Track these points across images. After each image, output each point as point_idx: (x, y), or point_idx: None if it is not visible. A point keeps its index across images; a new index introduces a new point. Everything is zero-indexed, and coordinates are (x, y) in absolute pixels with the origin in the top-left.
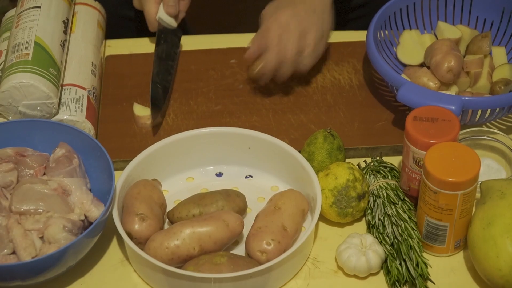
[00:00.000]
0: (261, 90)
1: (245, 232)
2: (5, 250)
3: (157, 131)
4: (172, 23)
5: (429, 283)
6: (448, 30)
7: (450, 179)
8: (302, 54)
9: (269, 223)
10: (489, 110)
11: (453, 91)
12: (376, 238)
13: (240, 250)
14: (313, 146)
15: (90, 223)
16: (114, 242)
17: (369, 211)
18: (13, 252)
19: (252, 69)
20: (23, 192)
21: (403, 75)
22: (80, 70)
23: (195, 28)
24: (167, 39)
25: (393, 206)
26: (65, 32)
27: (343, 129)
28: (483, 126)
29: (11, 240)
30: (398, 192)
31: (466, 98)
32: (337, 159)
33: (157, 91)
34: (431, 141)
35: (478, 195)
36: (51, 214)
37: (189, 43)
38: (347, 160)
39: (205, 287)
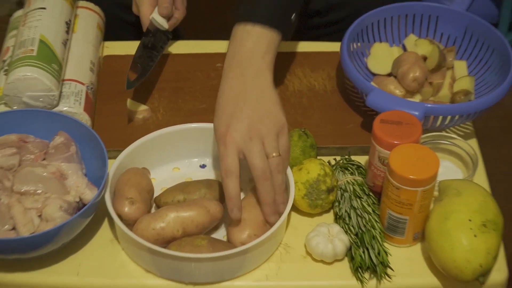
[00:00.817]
0: None
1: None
2: (6, 226)
3: (148, 125)
4: (164, 24)
5: (388, 270)
6: (419, 43)
7: (411, 177)
8: None
9: (252, 217)
10: (449, 117)
11: (417, 99)
12: (342, 228)
13: (219, 235)
14: None
15: (84, 205)
16: (105, 223)
17: (336, 203)
18: (13, 228)
19: None
20: (24, 175)
21: (372, 83)
22: (79, 67)
23: (185, 34)
24: (155, 35)
25: (358, 200)
26: (67, 32)
27: (317, 129)
28: (444, 131)
29: (12, 217)
30: (364, 188)
31: (429, 105)
32: (310, 156)
33: (135, 69)
34: (395, 142)
35: (436, 193)
36: (49, 195)
37: (179, 47)
38: (318, 157)
39: (186, 266)
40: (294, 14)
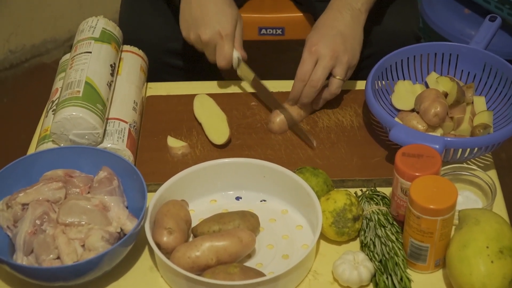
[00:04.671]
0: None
1: (257, 247)
2: (51, 256)
3: (187, 160)
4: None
5: None
6: (440, 80)
7: (431, 207)
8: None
9: None
10: (468, 149)
11: (438, 133)
12: (367, 255)
13: (252, 263)
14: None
15: (125, 235)
16: (145, 252)
17: (362, 232)
18: (58, 257)
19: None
20: (69, 207)
21: (396, 118)
22: (123, 106)
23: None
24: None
25: (383, 229)
26: (111, 74)
27: (344, 163)
28: (464, 163)
29: (57, 247)
30: (388, 217)
31: (448, 139)
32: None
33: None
34: (416, 174)
35: (456, 221)
36: (92, 226)
37: (217, 87)
38: (346, 189)
39: None
40: None
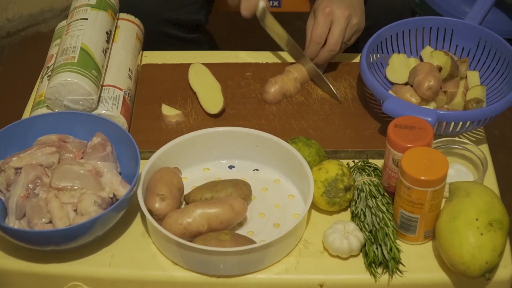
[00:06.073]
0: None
1: (248, 215)
2: (43, 219)
3: (181, 128)
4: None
5: (400, 266)
6: (434, 54)
7: (422, 178)
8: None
9: None
10: (460, 123)
11: (431, 106)
12: (358, 225)
13: (243, 231)
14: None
15: (118, 200)
16: (138, 218)
17: (353, 202)
18: (50, 222)
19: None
20: (62, 172)
21: (390, 91)
22: (118, 73)
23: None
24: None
25: (374, 199)
26: (107, 41)
27: (337, 134)
28: (456, 137)
29: (49, 211)
30: (379, 188)
31: (441, 112)
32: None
33: None
34: (408, 145)
35: (447, 194)
36: (85, 191)
37: (212, 57)
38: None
39: (210, 259)
40: None
